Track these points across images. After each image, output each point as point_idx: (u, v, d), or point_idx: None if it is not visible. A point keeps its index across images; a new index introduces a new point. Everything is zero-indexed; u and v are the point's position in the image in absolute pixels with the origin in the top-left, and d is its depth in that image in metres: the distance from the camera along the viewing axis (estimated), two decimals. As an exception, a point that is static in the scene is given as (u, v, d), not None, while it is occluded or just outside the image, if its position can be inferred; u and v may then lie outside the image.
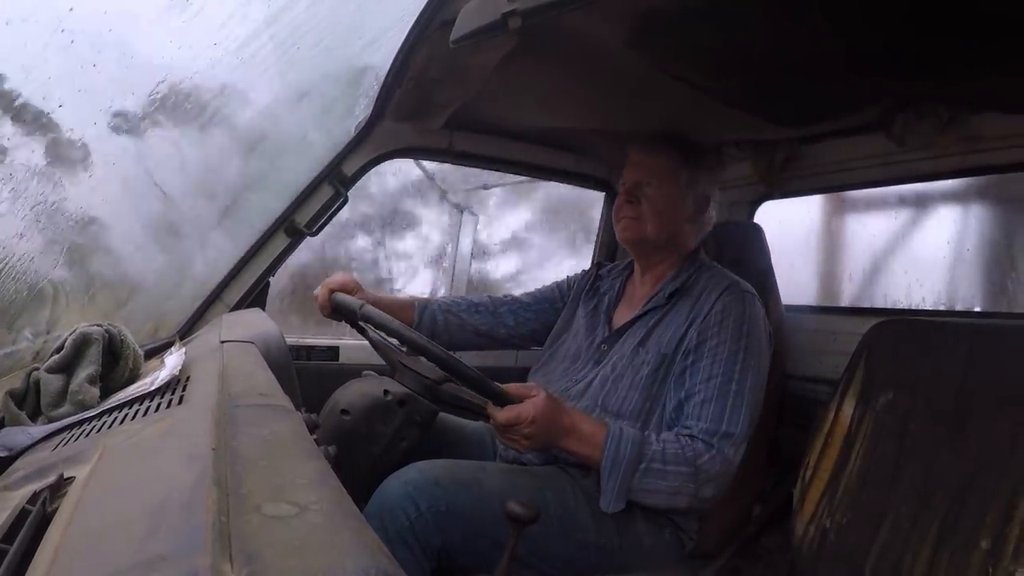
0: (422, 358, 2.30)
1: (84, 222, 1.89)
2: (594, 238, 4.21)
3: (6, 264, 1.60)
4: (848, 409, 2.41)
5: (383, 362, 2.53)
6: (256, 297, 3.20)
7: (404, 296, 3.04)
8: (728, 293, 2.47)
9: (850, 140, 3.04)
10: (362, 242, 4.43)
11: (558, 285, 3.16)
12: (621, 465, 2.20)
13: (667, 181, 2.64)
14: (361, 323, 2.48)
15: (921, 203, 3.15)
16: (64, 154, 1.67)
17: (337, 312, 2.55)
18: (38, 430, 1.45)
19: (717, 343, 2.39)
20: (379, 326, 2.36)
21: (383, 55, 2.71)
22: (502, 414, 2.15)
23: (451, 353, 2.20)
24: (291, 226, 3.14)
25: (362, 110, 3.10)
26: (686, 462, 2.21)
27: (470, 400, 2.22)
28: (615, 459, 2.20)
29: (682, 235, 2.68)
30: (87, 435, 1.31)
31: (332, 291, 2.57)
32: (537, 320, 3.07)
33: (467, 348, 3.00)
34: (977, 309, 2.92)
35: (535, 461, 2.49)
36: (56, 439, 1.38)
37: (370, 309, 2.38)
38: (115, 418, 1.37)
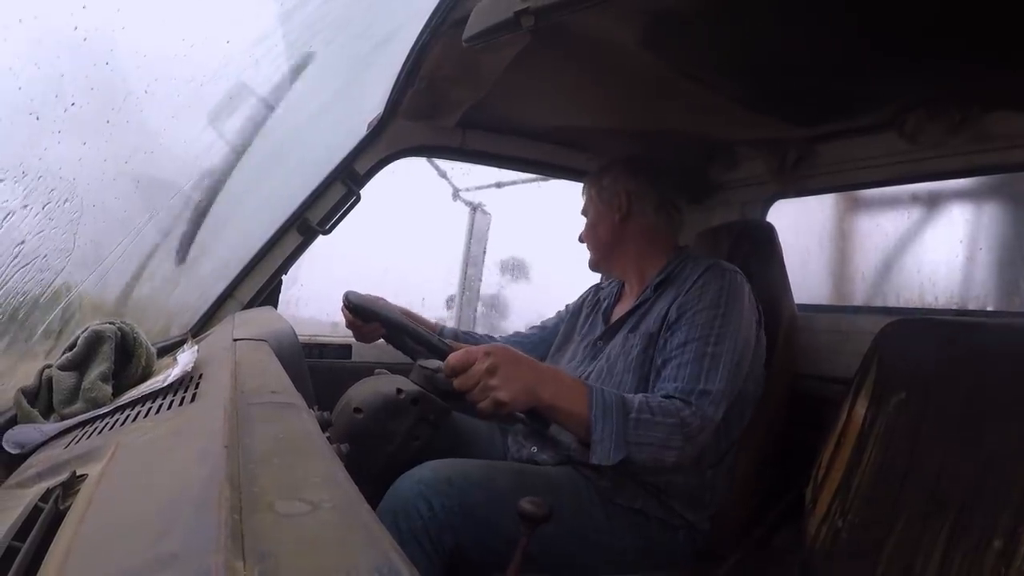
0: (434, 360, 2.32)
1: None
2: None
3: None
4: (861, 409, 2.41)
5: (396, 360, 2.55)
6: (269, 295, 3.21)
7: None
8: (709, 271, 2.52)
9: (862, 139, 3.04)
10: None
11: (558, 313, 3.29)
12: (612, 413, 2.18)
13: (589, 203, 2.88)
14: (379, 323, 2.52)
15: (934, 202, 3.14)
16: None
17: (354, 314, 2.57)
18: (50, 427, 1.45)
19: (694, 312, 2.43)
20: (358, 307, 2.40)
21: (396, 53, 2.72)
22: (453, 357, 2.13)
23: (402, 315, 2.25)
24: (304, 224, 3.16)
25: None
26: (671, 414, 2.21)
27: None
28: (604, 408, 2.18)
29: (625, 237, 2.84)
30: (99, 432, 1.31)
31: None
32: (543, 343, 3.15)
33: None
34: (990, 308, 2.91)
35: (548, 461, 2.48)
36: (68, 436, 1.38)
37: (352, 293, 2.44)
38: (127, 415, 1.37)
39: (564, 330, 3.09)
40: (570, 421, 2.21)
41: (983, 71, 2.33)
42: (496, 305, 5.18)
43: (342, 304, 2.66)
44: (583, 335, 2.91)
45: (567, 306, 3.24)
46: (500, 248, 5.09)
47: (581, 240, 2.95)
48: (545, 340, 3.14)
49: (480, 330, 3.56)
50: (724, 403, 2.33)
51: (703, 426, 2.26)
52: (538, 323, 3.30)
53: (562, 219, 3.35)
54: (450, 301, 4.89)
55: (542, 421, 2.33)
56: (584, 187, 2.97)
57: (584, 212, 2.95)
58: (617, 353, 2.58)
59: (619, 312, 2.82)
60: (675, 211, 2.87)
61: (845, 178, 3.27)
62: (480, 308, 5.12)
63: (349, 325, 2.70)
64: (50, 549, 0.80)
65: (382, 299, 2.69)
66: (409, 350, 2.51)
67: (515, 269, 5.14)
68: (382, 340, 2.73)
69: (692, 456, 2.28)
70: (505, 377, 2.10)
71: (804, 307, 3.19)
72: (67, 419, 1.49)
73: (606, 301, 2.97)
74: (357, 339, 2.75)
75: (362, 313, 2.53)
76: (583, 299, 3.17)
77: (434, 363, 2.30)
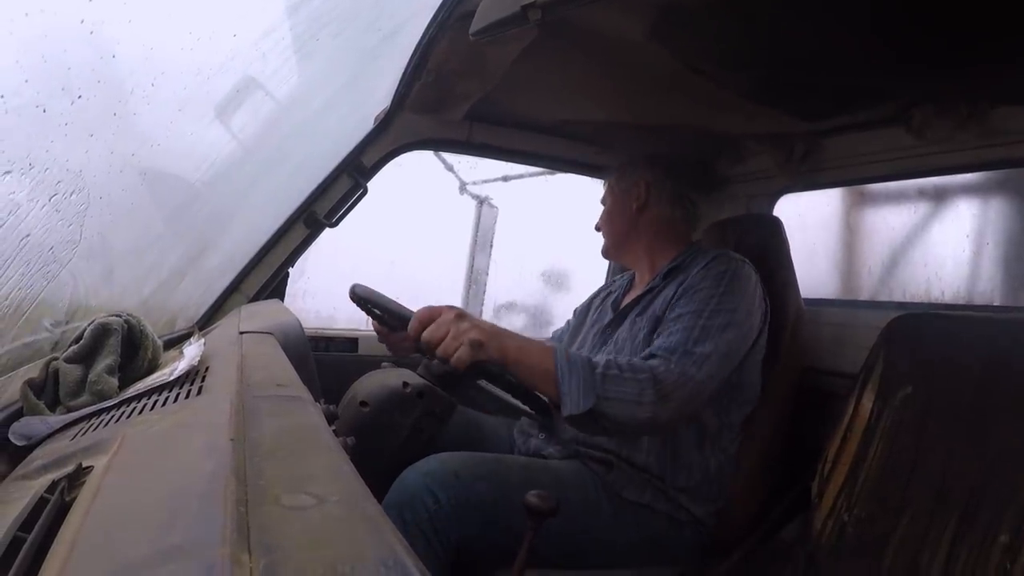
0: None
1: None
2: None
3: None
4: (867, 403, 2.41)
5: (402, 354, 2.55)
6: (275, 288, 3.22)
7: None
8: (717, 258, 2.55)
9: (869, 134, 3.04)
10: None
11: (568, 322, 3.30)
12: (578, 367, 2.17)
13: (609, 194, 2.92)
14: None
15: (941, 196, 3.13)
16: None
17: (360, 306, 2.55)
18: (56, 419, 1.45)
19: (695, 291, 2.44)
20: (365, 300, 2.40)
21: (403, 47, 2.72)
22: (418, 311, 2.15)
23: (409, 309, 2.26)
24: (310, 217, 3.16)
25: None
26: (641, 370, 2.20)
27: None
28: (570, 363, 2.18)
29: (639, 226, 2.86)
30: (105, 425, 1.31)
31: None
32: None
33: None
34: (997, 303, 2.90)
35: (555, 455, 2.49)
36: (75, 428, 1.38)
37: (359, 286, 2.43)
38: (134, 408, 1.37)
39: (574, 327, 3.11)
40: (538, 377, 2.19)
41: (990, 66, 2.32)
42: (541, 315, 5.21)
43: (363, 311, 2.64)
44: (592, 323, 2.93)
45: (575, 310, 3.25)
46: (542, 258, 5.13)
47: (598, 228, 2.98)
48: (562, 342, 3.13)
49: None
50: (708, 367, 2.29)
51: (680, 383, 2.22)
52: (554, 336, 3.31)
53: (584, 217, 3.35)
54: (500, 310, 4.89)
55: (545, 411, 2.33)
56: (607, 187, 3.01)
57: (603, 201, 2.99)
58: (625, 337, 2.59)
59: (628, 300, 2.84)
60: (691, 205, 2.89)
61: (852, 172, 3.26)
62: (524, 318, 5.14)
63: (379, 334, 2.67)
64: (55, 541, 0.80)
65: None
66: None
67: (556, 280, 5.18)
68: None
69: (669, 416, 2.24)
70: (473, 321, 2.12)
71: (810, 301, 3.19)
72: (73, 411, 1.49)
73: (615, 293, 2.99)
74: (392, 352, 2.72)
75: (368, 305, 2.51)
76: (592, 298, 3.19)
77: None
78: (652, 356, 2.29)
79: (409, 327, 2.14)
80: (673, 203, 2.84)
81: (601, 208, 3.00)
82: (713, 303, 2.39)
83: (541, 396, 2.37)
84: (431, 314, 2.11)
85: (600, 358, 2.22)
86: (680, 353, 2.27)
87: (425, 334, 2.10)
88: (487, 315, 4.83)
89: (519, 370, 2.20)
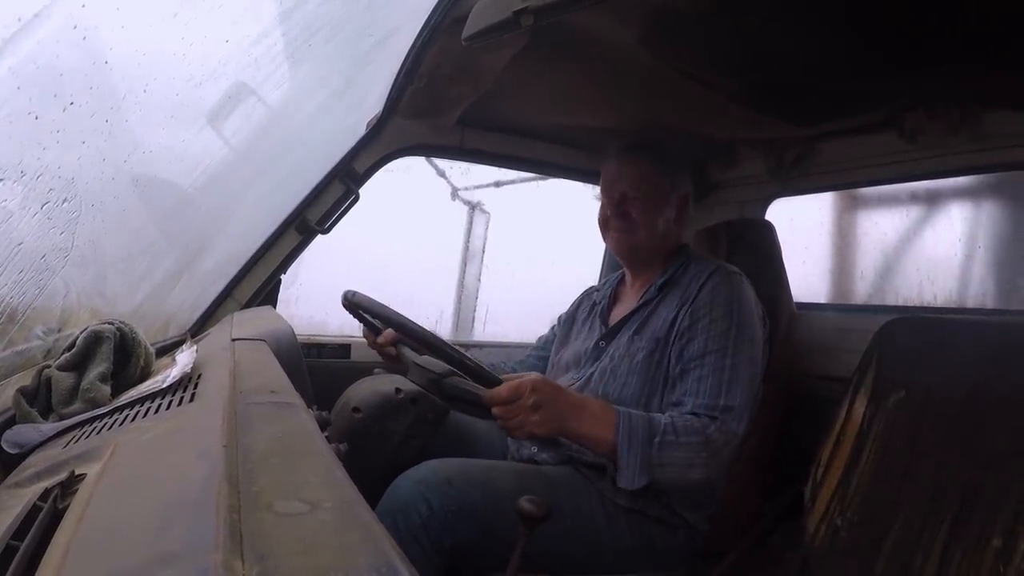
0: (427, 356, 2.29)
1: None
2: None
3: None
4: (860, 407, 2.41)
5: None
6: (268, 295, 3.21)
7: None
8: (715, 275, 2.53)
9: (861, 138, 3.04)
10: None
11: (552, 328, 3.24)
12: (638, 439, 2.21)
13: (651, 189, 2.69)
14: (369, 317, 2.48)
15: (933, 200, 3.14)
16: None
17: (353, 313, 2.53)
18: (49, 427, 1.45)
19: (709, 321, 2.43)
20: (368, 311, 2.37)
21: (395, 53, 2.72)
22: (503, 389, 2.13)
23: (445, 340, 2.22)
24: (302, 223, 3.15)
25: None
26: (696, 432, 2.24)
27: (475, 394, 2.18)
28: (631, 434, 2.22)
29: (670, 236, 2.75)
30: (98, 432, 1.31)
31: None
32: (542, 361, 3.12)
33: None
34: (989, 307, 2.91)
35: (548, 461, 2.48)
36: (67, 436, 1.38)
37: (360, 296, 2.40)
38: (126, 415, 1.37)
39: (559, 339, 3.07)
40: (598, 447, 2.26)
41: (982, 71, 2.33)
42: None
43: (355, 318, 2.60)
44: (582, 340, 2.89)
45: (559, 317, 3.21)
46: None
47: (618, 215, 2.71)
48: (543, 359, 3.12)
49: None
50: (746, 416, 2.36)
51: (728, 441, 2.30)
52: (539, 344, 3.25)
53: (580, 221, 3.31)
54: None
55: None
56: (643, 174, 2.72)
57: (627, 200, 2.71)
58: (621, 355, 2.57)
59: (619, 313, 2.80)
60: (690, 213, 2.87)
61: (844, 177, 3.27)
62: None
63: (374, 346, 2.63)
64: (48, 549, 0.80)
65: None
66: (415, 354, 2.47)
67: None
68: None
69: (717, 471, 2.34)
70: (545, 416, 2.14)
71: (803, 305, 3.19)
72: (66, 419, 1.49)
73: (601, 303, 2.94)
74: (383, 360, 2.67)
75: (362, 313, 2.49)
76: (576, 306, 3.15)
77: (437, 364, 2.27)
78: (695, 414, 2.32)
79: (488, 397, 2.14)
80: (690, 217, 2.84)
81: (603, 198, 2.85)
82: (733, 336, 2.41)
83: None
84: (514, 394, 2.12)
85: (661, 421, 2.26)
86: (721, 409, 2.31)
87: (498, 411, 2.13)
88: (479, 321, 4.82)
89: (579, 441, 2.29)
